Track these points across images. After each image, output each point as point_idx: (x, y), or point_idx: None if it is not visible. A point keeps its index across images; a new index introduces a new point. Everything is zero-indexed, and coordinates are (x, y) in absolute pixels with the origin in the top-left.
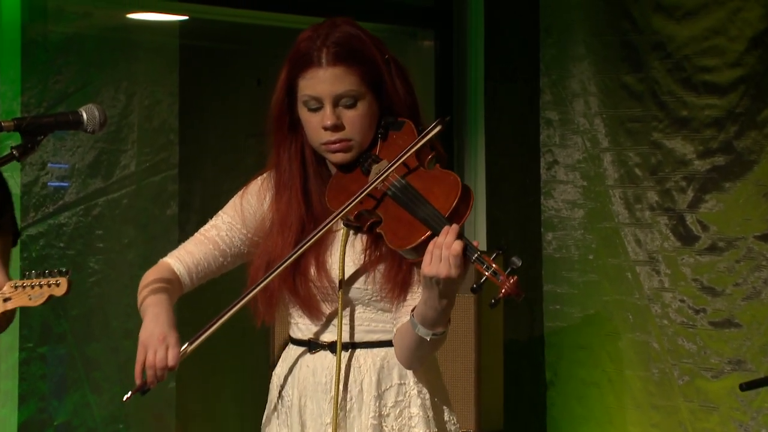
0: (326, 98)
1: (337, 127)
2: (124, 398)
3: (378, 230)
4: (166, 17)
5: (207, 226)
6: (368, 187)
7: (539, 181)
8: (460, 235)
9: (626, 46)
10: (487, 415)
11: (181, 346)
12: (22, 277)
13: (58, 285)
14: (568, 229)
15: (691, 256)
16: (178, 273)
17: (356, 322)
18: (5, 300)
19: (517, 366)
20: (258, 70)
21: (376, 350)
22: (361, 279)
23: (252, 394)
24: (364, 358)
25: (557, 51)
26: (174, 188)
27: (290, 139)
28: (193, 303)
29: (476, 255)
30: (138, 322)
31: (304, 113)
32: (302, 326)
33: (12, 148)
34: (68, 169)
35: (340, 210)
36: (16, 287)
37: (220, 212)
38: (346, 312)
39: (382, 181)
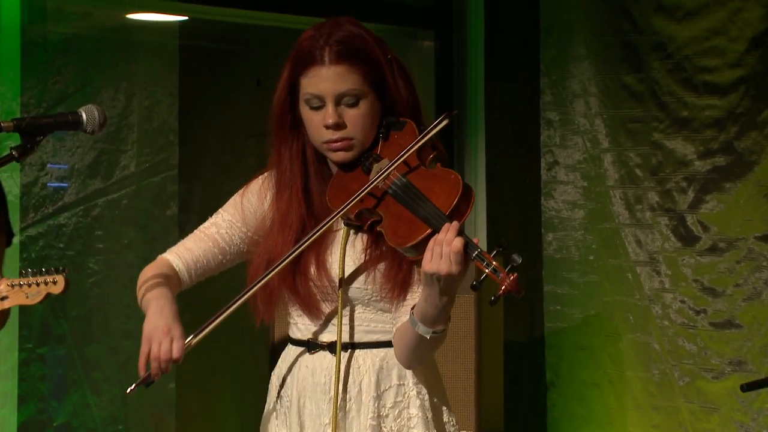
0: (328, 97)
1: (339, 126)
2: (128, 390)
3: (378, 229)
4: (165, 17)
5: (207, 224)
6: (370, 185)
7: (539, 182)
8: (460, 233)
9: (627, 47)
10: (487, 416)
11: (186, 339)
12: (20, 276)
13: (55, 283)
14: (568, 229)
15: (691, 256)
16: (177, 269)
17: (356, 322)
18: (2, 299)
19: (518, 367)
20: (258, 71)
21: (375, 351)
22: (361, 278)
23: (252, 394)
24: (363, 358)
25: (557, 51)
26: (174, 189)
27: (292, 138)
28: (193, 303)
29: (476, 252)
30: (138, 323)
31: (305, 112)
32: (301, 326)
33: (11, 148)
34: (68, 169)
35: (341, 208)
36: (12, 286)
37: (220, 210)
38: (346, 312)
39: (384, 179)
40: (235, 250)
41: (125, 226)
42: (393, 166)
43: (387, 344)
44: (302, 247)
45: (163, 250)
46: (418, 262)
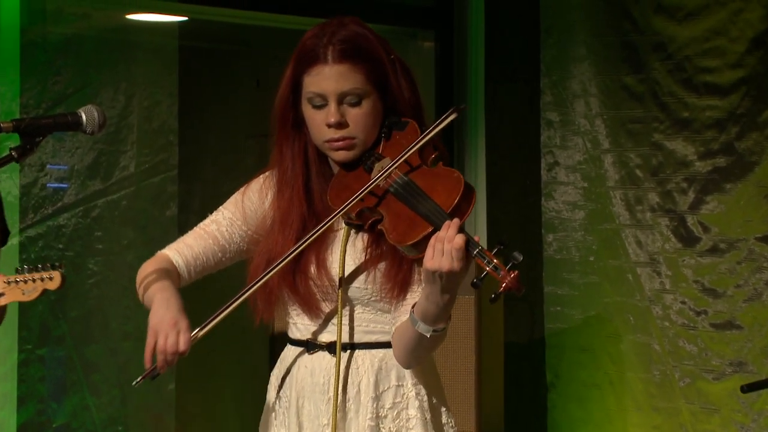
0: (331, 95)
1: (341, 125)
2: (134, 383)
3: (379, 227)
4: (165, 18)
5: (207, 221)
6: (372, 183)
7: (540, 183)
8: (461, 230)
9: (627, 47)
10: (487, 417)
11: (192, 332)
12: (16, 273)
13: (51, 279)
14: (568, 230)
15: (692, 257)
16: (176, 265)
17: (355, 323)
18: None
19: (518, 368)
20: (257, 71)
21: (374, 351)
22: (361, 278)
23: (252, 395)
24: (362, 359)
25: (558, 52)
26: (173, 189)
27: (293, 137)
28: (193, 302)
29: (477, 249)
30: (137, 324)
31: (308, 110)
32: (300, 326)
33: (11, 149)
34: (67, 170)
35: (343, 206)
36: (8, 282)
37: (220, 208)
38: (345, 312)
39: (385, 178)
40: (235, 249)
41: (125, 226)
42: (397, 163)
43: (386, 345)
44: (303, 246)
45: None
46: (419, 261)
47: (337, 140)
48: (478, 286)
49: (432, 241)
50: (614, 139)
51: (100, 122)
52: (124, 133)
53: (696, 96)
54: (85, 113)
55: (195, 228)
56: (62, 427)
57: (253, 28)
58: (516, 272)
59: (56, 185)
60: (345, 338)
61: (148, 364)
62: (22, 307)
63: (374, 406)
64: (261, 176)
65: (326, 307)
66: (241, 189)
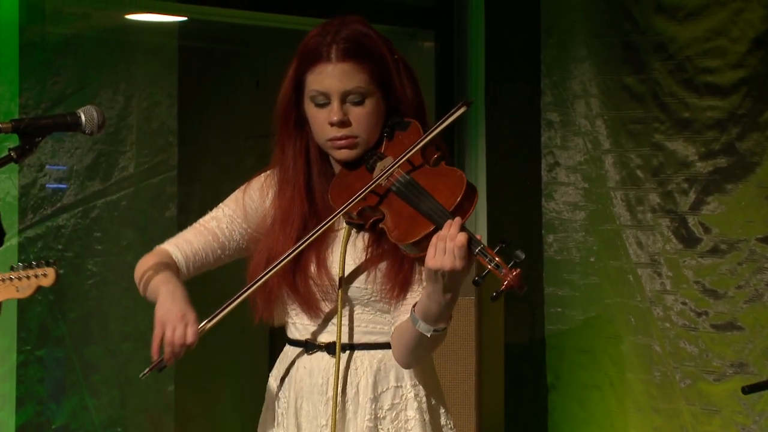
0: (334, 94)
1: (344, 123)
2: (141, 375)
3: (381, 226)
4: (164, 18)
5: (207, 218)
6: (374, 182)
7: (540, 183)
8: (463, 228)
9: (627, 48)
10: (487, 418)
11: (199, 324)
12: (10, 270)
13: (45, 275)
14: (569, 231)
15: (692, 258)
16: (176, 260)
17: (354, 323)
18: None
19: (518, 369)
20: (257, 72)
21: (373, 352)
22: (362, 278)
23: (251, 396)
24: (361, 359)
25: (558, 52)
26: (173, 190)
27: (295, 136)
28: (193, 301)
29: (479, 248)
30: (137, 324)
31: (311, 109)
32: (300, 326)
33: (10, 149)
34: (66, 170)
35: (345, 205)
36: (3, 280)
37: (220, 205)
38: (345, 312)
39: (387, 177)
40: (234, 246)
41: (124, 227)
42: (401, 159)
43: (385, 346)
44: (304, 245)
45: None
46: (420, 260)
47: (340, 139)
48: (480, 284)
49: (434, 239)
50: (615, 139)
51: (99, 123)
52: (124, 134)
53: (697, 96)
54: (84, 114)
55: (194, 224)
56: (61, 428)
57: (252, 28)
58: (518, 270)
59: (55, 186)
60: (344, 339)
61: (155, 356)
62: (22, 308)
63: (373, 407)
64: (262, 175)
65: (326, 307)
66: (242, 187)
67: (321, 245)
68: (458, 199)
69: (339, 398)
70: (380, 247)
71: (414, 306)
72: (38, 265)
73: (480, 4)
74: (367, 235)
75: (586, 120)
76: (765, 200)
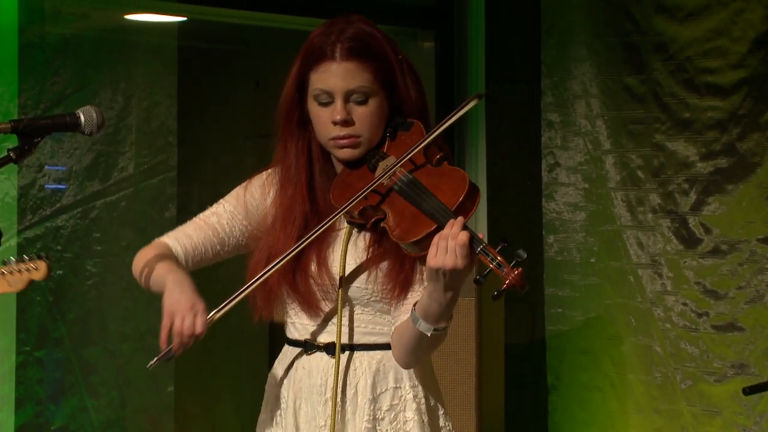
0: (337, 93)
1: (347, 123)
2: (149, 365)
3: (382, 225)
4: (164, 18)
5: (207, 213)
6: (377, 181)
7: (540, 184)
8: (465, 227)
9: (628, 48)
10: (487, 419)
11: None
12: (2, 265)
13: (36, 269)
14: (569, 231)
15: (693, 259)
16: (175, 254)
17: (354, 323)
18: None
19: (519, 370)
20: (257, 72)
21: (372, 353)
22: (362, 277)
23: (251, 396)
24: (360, 360)
25: (558, 52)
26: (172, 190)
27: (298, 135)
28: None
29: (481, 247)
30: (136, 325)
31: (314, 108)
32: (299, 326)
33: (9, 150)
34: (66, 171)
35: (347, 203)
36: None
37: (221, 200)
38: (345, 312)
39: (390, 176)
40: (234, 243)
41: (123, 228)
42: (406, 157)
43: (384, 347)
44: (306, 242)
45: None
46: (421, 259)
47: (343, 138)
48: (482, 282)
49: (436, 238)
50: (615, 140)
51: (98, 123)
52: (123, 134)
53: (697, 97)
54: (83, 114)
55: (194, 218)
56: (60, 429)
57: (252, 28)
58: (520, 269)
59: (54, 186)
60: (344, 339)
61: (164, 345)
62: (21, 308)
63: (371, 407)
64: (264, 173)
65: (326, 306)
66: (243, 184)
67: (322, 244)
68: (460, 199)
69: (338, 399)
70: (381, 246)
71: (415, 305)
72: (30, 259)
73: (480, 4)
74: (368, 235)
75: (587, 120)
76: (766, 201)
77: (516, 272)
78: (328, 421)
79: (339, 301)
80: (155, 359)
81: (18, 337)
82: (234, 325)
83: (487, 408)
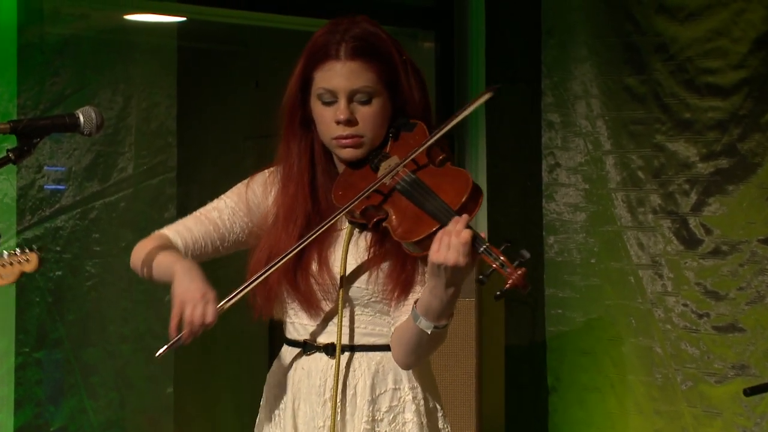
0: (341, 92)
1: (350, 122)
2: (157, 354)
3: (385, 224)
4: (163, 19)
5: (208, 207)
6: (379, 181)
7: (541, 184)
8: (468, 227)
9: (629, 48)
10: (488, 420)
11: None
12: None
13: (28, 261)
14: (570, 232)
15: (694, 259)
16: (176, 245)
17: (354, 324)
18: None
19: (519, 371)
20: (256, 72)
21: (371, 354)
22: (363, 278)
23: (250, 397)
24: (359, 361)
25: (559, 53)
26: (172, 191)
27: (300, 135)
28: None
29: (484, 246)
30: (135, 326)
31: (317, 107)
32: (298, 326)
33: (8, 150)
34: (65, 172)
35: (349, 202)
36: None
37: (222, 196)
38: (345, 312)
39: (392, 176)
40: (234, 239)
41: (123, 228)
42: (411, 156)
43: (384, 348)
44: (307, 242)
45: None
46: (422, 260)
47: (346, 138)
48: (484, 282)
49: (439, 234)
50: (616, 140)
51: (97, 123)
52: (122, 135)
53: (698, 97)
54: (82, 114)
55: (195, 212)
56: (60, 430)
57: (251, 28)
58: (524, 270)
59: (54, 187)
60: (344, 340)
61: (173, 334)
62: (20, 309)
63: (370, 409)
64: (266, 171)
65: (326, 306)
66: (245, 181)
67: (323, 244)
68: (464, 199)
69: (337, 399)
70: (383, 247)
71: (416, 302)
72: (21, 252)
73: (480, 5)
74: (369, 235)
75: (587, 121)
76: (766, 201)
77: (519, 272)
78: (327, 422)
79: (339, 302)
80: (164, 347)
81: (17, 338)
82: (234, 325)
83: (487, 409)
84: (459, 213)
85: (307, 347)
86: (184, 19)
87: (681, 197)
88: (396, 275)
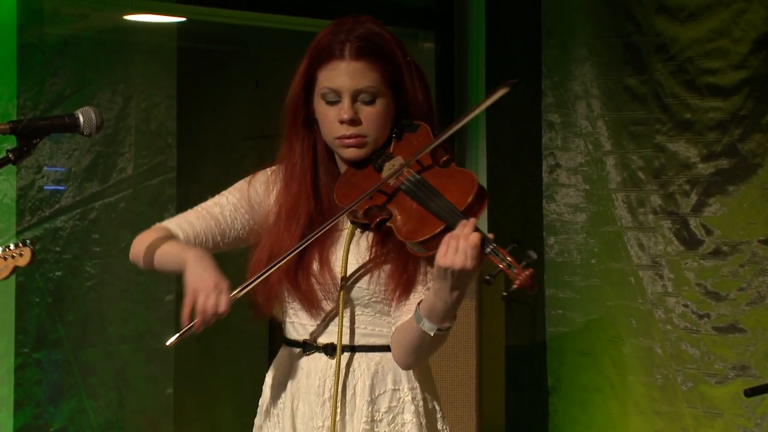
0: (345, 92)
1: (354, 122)
2: (168, 342)
3: (388, 224)
4: (163, 19)
5: (210, 202)
6: (383, 180)
7: (541, 185)
8: (476, 229)
9: (629, 48)
10: (488, 420)
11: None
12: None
13: (21, 255)
14: (570, 232)
15: (694, 260)
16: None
17: (354, 324)
18: None
19: (519, 372)
20: (256, 72)
21: (371, 354)
22: (364, 278)
23: (250, 398)
24: (358, 361)
25: (559, 53)
26: (171, 192)
27: (303, 134)
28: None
29: (491, 247)
30: (135, 326)
31: (321, 106)
32: (298, 326)
33: (8, 151)
34: (64, 172)
35: (353, 202)
36: None
37: (224, 192)
38: (345, 312)
39: (396, 176)
40: (234, 235)
41: (122, 229)
42: (419, 155)
43: (383, 348)
44: (310, 240)
45: None
46: (426, 260)
47: (349, 137)
48: (491, 282)
49: (446, 237)
50: (616, 140)
51: (97, 124)
52: (122, 135)
53: (698, 97)
54: (82, 115)
55: (196, 207)
56: (59, 431)
57: (251, 29)
58: (531, 270)
59: (53, 187)
60: (344, 340)
61: (186, 323)
62: (19, 310)
63: (369, 409)
64: (268, 169)
65: (326, 306)
66: (247, 178)
67: (325, 243)
68: (469, 200)
69: (337, 400)
70: (384, 247)
71: (419, 304)
72: (15, 246)
73: (481, 5)
74: (371, 236)
75: (587, 121)
76: (767, 202)
77: (526, 273)
78: (326, 422)
79: (340, 302)
80: (175, 337)
81: (17, 339)
82: (234, 325)
83: (487, 410)
84: (465, 213)
85: (307, 347)
86: (183, 19)
87: (681, 198)
88: (398, 275)
